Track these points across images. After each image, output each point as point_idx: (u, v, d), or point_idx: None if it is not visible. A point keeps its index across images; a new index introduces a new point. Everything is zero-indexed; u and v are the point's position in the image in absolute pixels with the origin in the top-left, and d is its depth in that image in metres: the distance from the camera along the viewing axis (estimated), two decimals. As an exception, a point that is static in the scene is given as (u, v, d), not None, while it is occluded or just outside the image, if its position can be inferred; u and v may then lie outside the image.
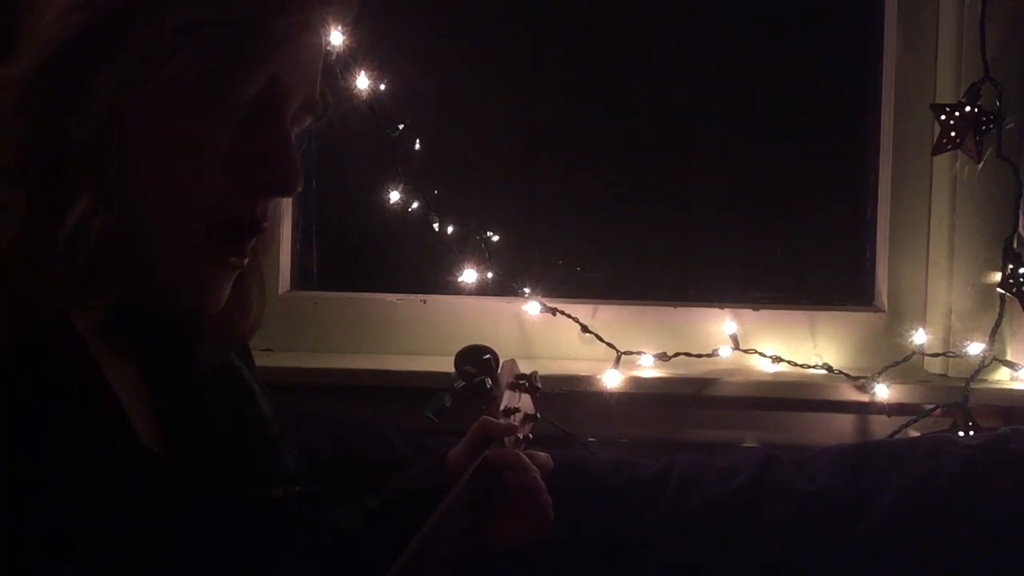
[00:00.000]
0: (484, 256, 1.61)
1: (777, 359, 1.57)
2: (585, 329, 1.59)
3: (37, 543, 0.59)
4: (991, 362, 1.50)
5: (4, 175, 0.62)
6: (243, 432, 0.81)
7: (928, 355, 1.56)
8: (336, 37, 1.55)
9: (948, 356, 1.53)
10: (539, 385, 1.12)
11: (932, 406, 1.49)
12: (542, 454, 1.01)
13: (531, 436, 1.07)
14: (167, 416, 0.74)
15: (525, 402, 1.09)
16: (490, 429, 0.98)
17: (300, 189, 0.73)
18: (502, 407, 1.01)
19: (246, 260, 0.73)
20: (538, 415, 1.10)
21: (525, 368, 1.15)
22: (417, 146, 1.61)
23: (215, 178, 0.68)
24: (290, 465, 0.85)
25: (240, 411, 0.83)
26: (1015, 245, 1.49)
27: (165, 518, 0.67)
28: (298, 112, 0.74)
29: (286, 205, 1.67)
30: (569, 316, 1.59)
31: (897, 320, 1.60)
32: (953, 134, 1.48)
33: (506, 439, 0.98)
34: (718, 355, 1.57)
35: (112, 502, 0.64)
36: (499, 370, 1.08)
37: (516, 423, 1.02)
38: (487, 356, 1.07)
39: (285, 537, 0.79)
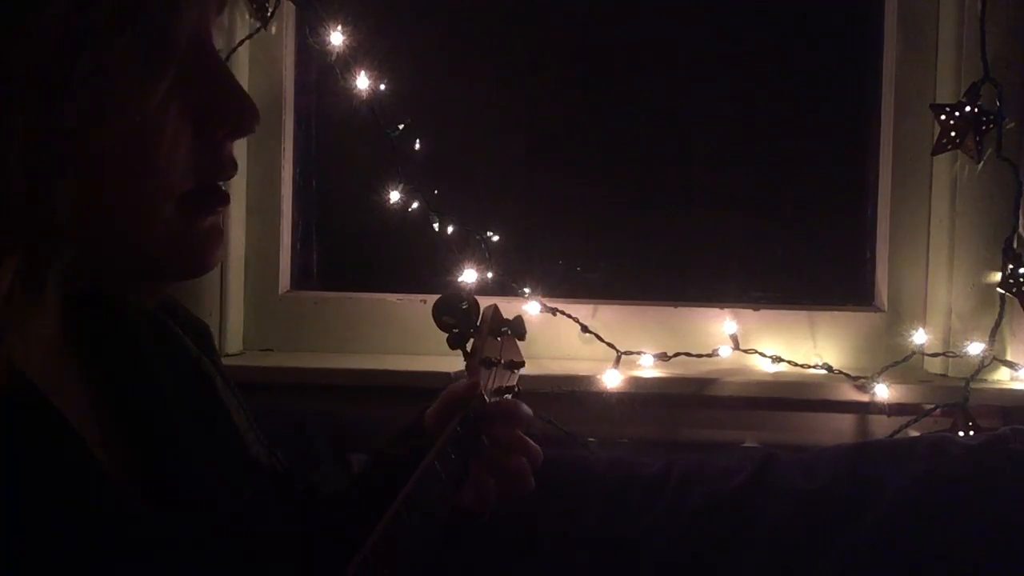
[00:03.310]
0: (484, 256, 1.61)
1: (777, 359, 1.57)
2: (585, 329, 1.59)
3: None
4: (991, 362, 1.50)
5: None
6: (203, 429, 0.78)
7: (928, 355, 1.56)
8: (336, 37, 1.56)
9: (948, 356, 1.53)
10: (524, 330, 1.09)
11: (932, 406, 1.49)
12: (524, 407, 0.97)
13: (519, 388, 1.05)
14: (125, 423, 0.71)
15: (509, 350, 1.06)
16: (456, 390, 0.95)
17: (259, 120, 0.66)
18: (482, 356, 0.98)
19: (227, 206, 0.68)
20: (524, 363, 1.08)
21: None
22: (417, 146, 1.62)
23: (175, 152, 0.61)
24: (259, 456, 0.84)
25: (199, 406, 0.79)
26: (1015, 245, 1.49)
27: (129, 532, 0.64)
28: (213, 18, 0.66)
29: (286, 205, 1.67)
30: (569, 316, 1.59)
31: (897, 320, 1.60)
32: (953, 134, 1.48)
33: (485, 393, 0.95)
34: (718, 355, 1.57)
35: (72, 528, 0.60)
36: (480, 318, 1.03)
37: (496, 373, 1.00)
38: (464, 305, 1.02)
39: (255, 529, 0.78)
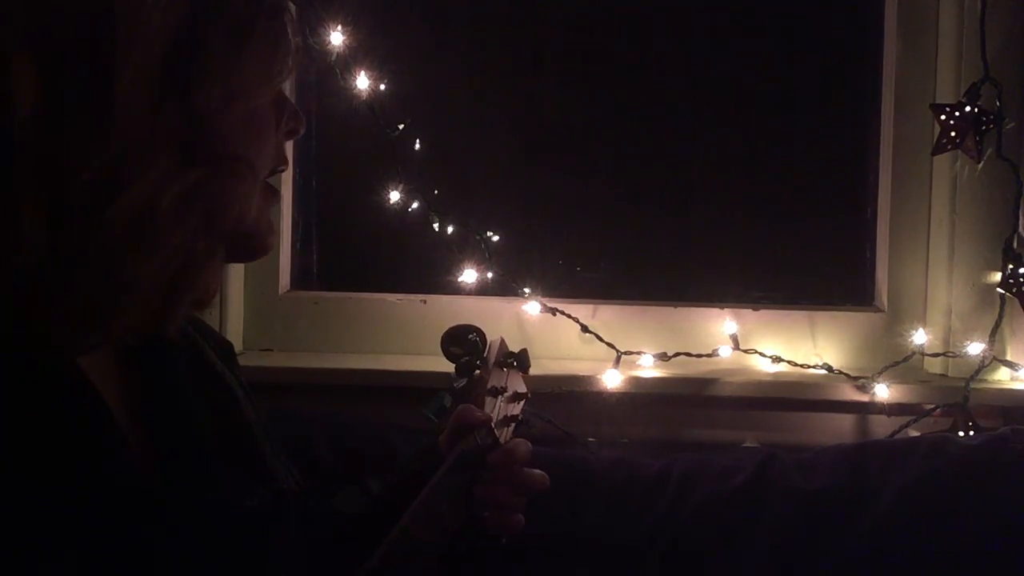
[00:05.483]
0: (484, 256, 1.61)
1: (777, 359, 1.57)
2: (585, 329, 1.59)
3: (26, 563, 0.59)
4: (991, 362, 1.50)
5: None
6: (226, 439, 0.81)
7: (928, 355, 1.56)
8: (336, 37, 1.56)
9: (948, 356, 1.53)
10: (529, 363, 1.10)
11: (932, 406, 1.49)
12: (521, 448, 0.98)
13: (522, 417, 1.05)
14: (153, 429, 0.74)
15: (515, 381, 1.07)
16: (466, 416, 0.96)
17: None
18: (488, 386, 1.00)
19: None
20: (529, 394, 1.09)
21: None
22: (417, 146, 1.62)
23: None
24: (275, 468, 0.85)
25: (223, 418, 0.83)
26: (1015, 245, 1.49)
27: (151, 533, 0.67)
28: None
29: (286, 205, 1.67)
30: (569, 316, 1.59)
31: (897, 320, 1.60)
32: (953, 134, 1.48)
33: (493, 423, 0.96)
34: (718, 355, 1.57)
35: (101, 521, 0.64)
36: (486, 350, 1.05)
37: (502, 403, 1.01)
38: (472, 335, 1.04)
39: (268, 539, 0.79)
